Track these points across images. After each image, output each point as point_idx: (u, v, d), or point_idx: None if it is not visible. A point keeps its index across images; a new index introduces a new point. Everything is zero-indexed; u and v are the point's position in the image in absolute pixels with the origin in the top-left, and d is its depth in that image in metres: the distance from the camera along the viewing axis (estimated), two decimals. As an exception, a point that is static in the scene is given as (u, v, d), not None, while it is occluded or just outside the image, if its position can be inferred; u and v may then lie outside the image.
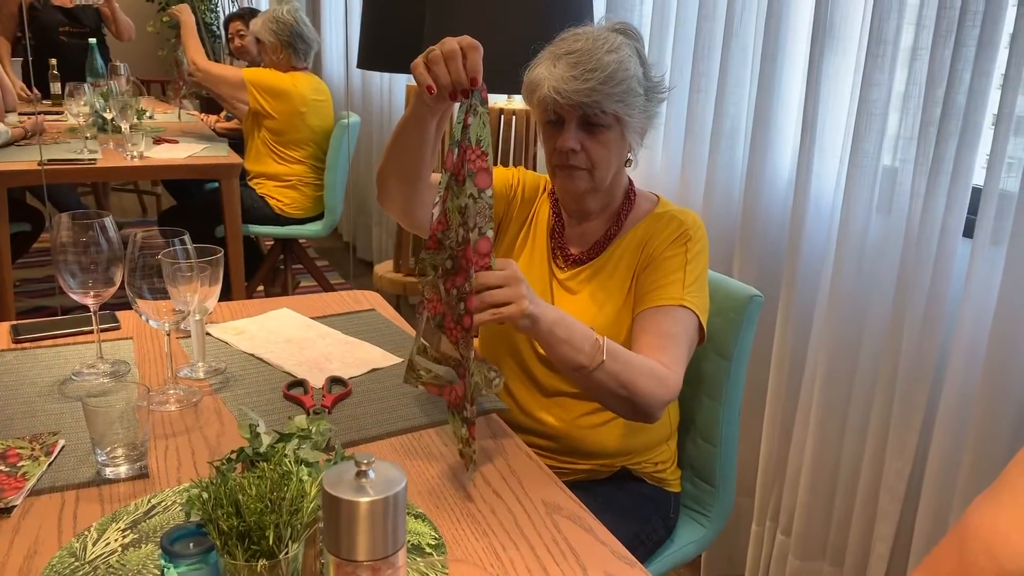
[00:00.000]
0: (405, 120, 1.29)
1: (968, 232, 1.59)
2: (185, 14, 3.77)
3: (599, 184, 1.41)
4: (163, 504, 1.07)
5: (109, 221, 1.35)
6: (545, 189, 1.58)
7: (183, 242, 1.29)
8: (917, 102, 1.67)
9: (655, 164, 2.38)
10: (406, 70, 2.84)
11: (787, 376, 1.99)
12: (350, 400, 1.39)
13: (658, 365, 1.30)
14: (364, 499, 0.63)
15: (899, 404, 1.71)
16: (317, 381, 1.44)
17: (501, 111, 2.82)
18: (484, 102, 1.09)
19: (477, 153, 1.07)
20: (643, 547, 1.45)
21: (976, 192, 1.57)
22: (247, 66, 4.34)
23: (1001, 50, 1.51)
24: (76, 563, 0.94)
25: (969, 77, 1.53)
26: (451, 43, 1.10)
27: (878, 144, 1.74)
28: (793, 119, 2.00)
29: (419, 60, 1.12)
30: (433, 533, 1.04)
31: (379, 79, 4.60)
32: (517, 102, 2.80)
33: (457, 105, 1.12)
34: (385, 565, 0.65)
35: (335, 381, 1.44)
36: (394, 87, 4.37)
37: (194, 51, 3.66)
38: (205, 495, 0.82)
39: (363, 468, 0.65)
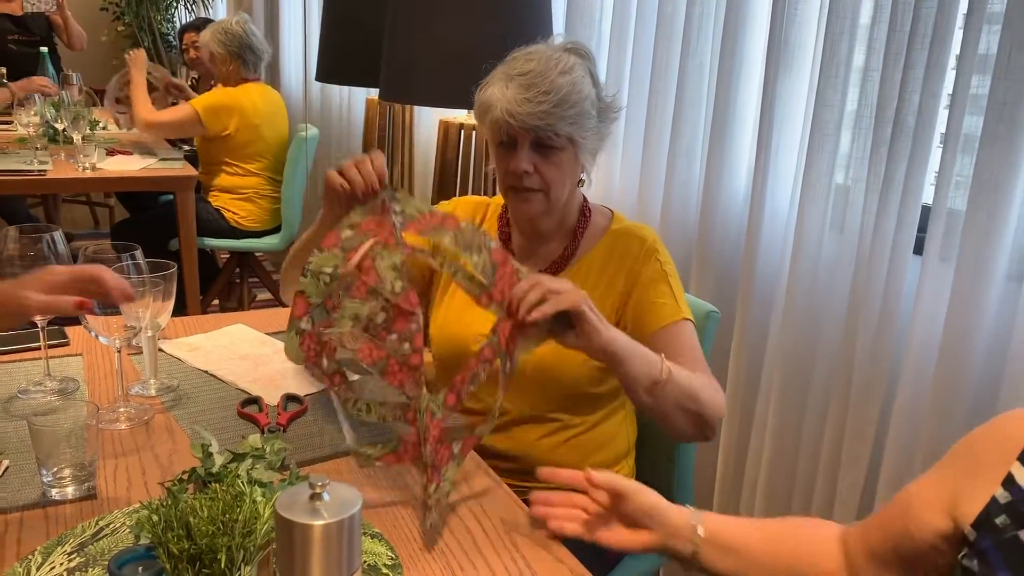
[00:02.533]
0: (318, 226, 1.36)
1: (918, 249, 1.62)
2: (136, 67, 3.68)
3: (554, 205, 1.41)
4: (111, 526, 1.04)
5: (59, 235, 1.32)
6: (487, 213, 1.56)
7: (134, 257, 1.27)
8: (868, 121, 1.70)
9: (613, 181, 2.40)
10: (365, 83, 2.83)
11: (743, 390, 2.01)
12: (305, 418, 1.37)
13: (705, 377, 1.30)
14: (318, 522, 0.62)
15: (852, 417, 1.73)
16: (272, 398, 1.42)
17: (461, 126, 2.82)
18: (394, 194, 1.18)
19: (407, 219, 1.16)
20: (602, 564, 1.45)
21: (926, 210, 1.61)
22: (197, 80, 4.28)
23: (949, 71, 1.55)
24: (19, 589, 0.91)
25: (918, 98, 1.57)
26: (358, 156, 1.23)
27: (831, 163, 1.78)
28: (748, 137, 2.03)
29: (332, 171, 1.24)
30: (390, 553, 1.02)
31: (338, 92, 4.58)
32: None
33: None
34: (340, 589, 0.63)
35: (291, 399, 1.42)
36: (353, 100, 4.35)
37: (144, 109, 3.59)
38: (155, 517, 0.80)
39: (317, 491, 0.64)
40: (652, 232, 1.46)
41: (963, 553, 0.83)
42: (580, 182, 1.45)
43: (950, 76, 1.55)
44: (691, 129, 2.11)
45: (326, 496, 0.64)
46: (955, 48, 1.54)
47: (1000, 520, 0.80)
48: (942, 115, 1.57)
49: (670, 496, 1.56)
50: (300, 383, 1.49)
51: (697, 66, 2.07)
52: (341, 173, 1.24)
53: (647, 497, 1.06)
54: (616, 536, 1.07)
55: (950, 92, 1.55)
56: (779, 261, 1.93)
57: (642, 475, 1.62)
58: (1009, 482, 0.80)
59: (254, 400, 1.41)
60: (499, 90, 1.34)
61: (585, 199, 1.50)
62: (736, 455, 2.06)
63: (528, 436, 1.43)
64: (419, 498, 1.07)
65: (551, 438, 1.44)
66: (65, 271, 1.09)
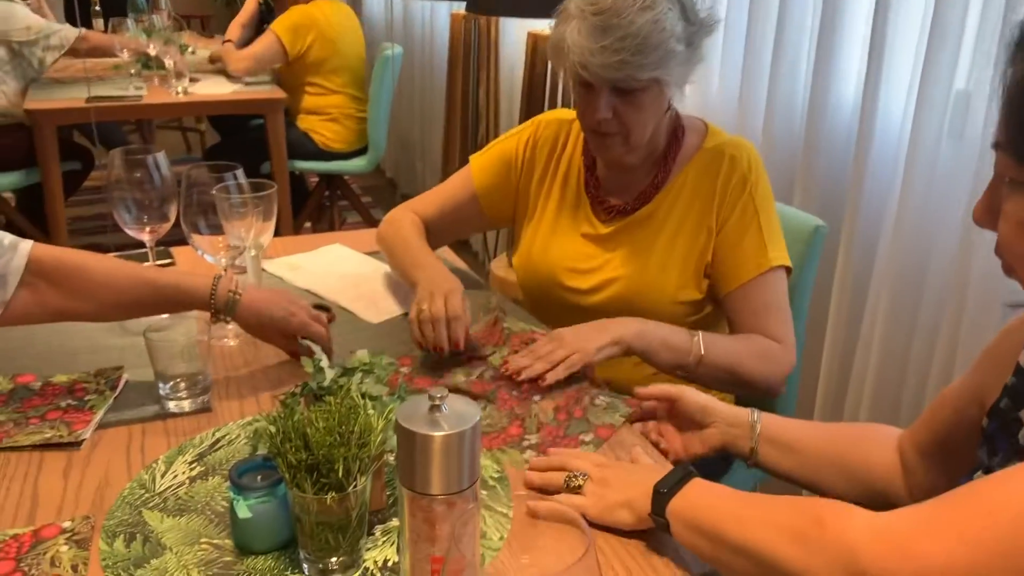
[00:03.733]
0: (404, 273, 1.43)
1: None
2: None
3: (635, 146, 1.34)
4: (227, 437, 1.08)
5: (162, 157, 1.35)
6: (571, 134, 1.49)
7: (236, 177, 1.28)
8: (995, 23, 1.57)
9: (711, 92, 2.31)
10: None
11: (848, 309, 1.94)
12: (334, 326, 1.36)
13: (764, 342, 1.30)
14: (439, 433, 0.62)
15: (965, 340, 1.66)
16: (374, 317, 1.44)
17: (536, 38, 2.74)
18: (504, 312, 1.39)
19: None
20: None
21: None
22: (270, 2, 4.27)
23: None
24: (146, 494, 0.96)
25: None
26: (438, 308, 1.24)
27: (951, 67, 1.66)
28: (859, 40, 1.91)
29: (415, 320, 1.26)
30: (495, 466, 1.04)
31: (420, 8, 4.51)
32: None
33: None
34: (460, 499, 0.64)
35: (318, 307, 1.41)
36: (436, 15, 4.28)
37: (231, 59, 3.61)
38: (273, 429, 0.82)
39: (436, 403, 0.64)
40: (749, 149, 1.39)
41: (979, 442, 0.85)
42: (668, 108, 1.37)
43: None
44: (796, 33, 2.00)
45: (445, 408, 0.64)
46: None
47: (1004, 404, 0.81)
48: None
49: (770, 408, 1.55)
50: (401, 301, 1.50)
51: (804, -35, 1.95)
52: (423, 324, 1.25)
53: (697, 396, 1.10)
54: (680, 440, 1.11)
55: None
56: (891, 172, 1.83)
57: (739, 401, 1.59)
58: (1019, 371, 0.81)
59: (322, 306, 1.42)
60: (572, 32, 1.25)
61: (678, 116, 1.42)
62: (838, 379, 2.00)
63: (623, 365, 1.41)
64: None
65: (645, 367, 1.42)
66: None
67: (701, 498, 0.83)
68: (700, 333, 1.28)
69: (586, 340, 1.22)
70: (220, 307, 1.17)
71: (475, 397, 1.18)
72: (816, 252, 1.50)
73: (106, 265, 1.14)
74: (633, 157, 1.37)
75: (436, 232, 1.53)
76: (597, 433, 1.11)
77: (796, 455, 1.05)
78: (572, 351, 1.20)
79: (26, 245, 1.10)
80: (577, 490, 0.94)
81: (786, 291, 1.37)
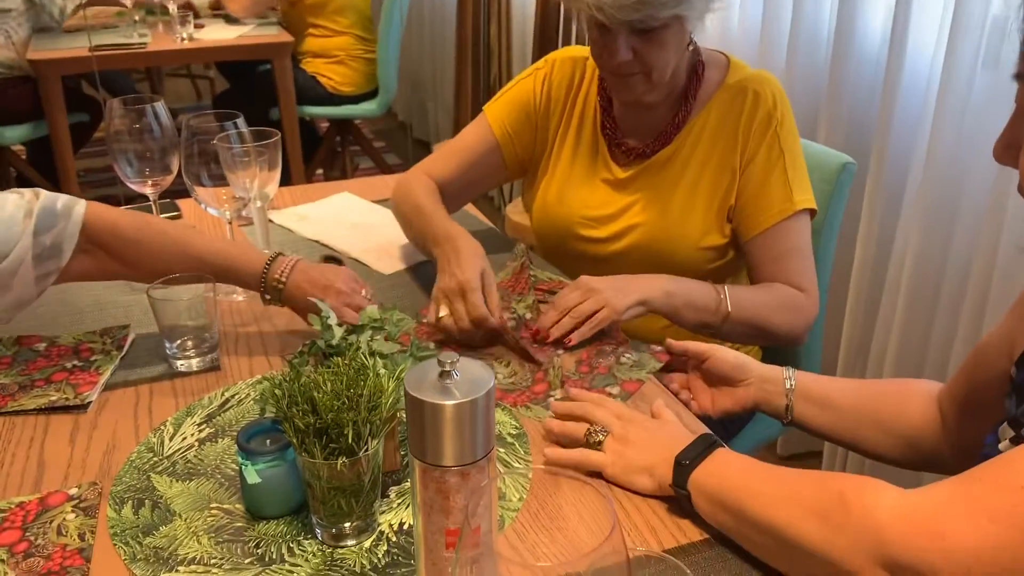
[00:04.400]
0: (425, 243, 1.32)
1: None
2: None
3: (657, 83, 1.27)
4: (237, 397, 1.05)
5: (161, 106, 1.30)
6: (586, 72, 1.42)
7: (237, 125, 1.24)
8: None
9: (731, 25, 2.21)
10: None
11: (875, 250, 1.88)
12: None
13: (788, 292, 1.27)
14: (450, 402, 0.58)
15: (999, 281, 1.60)
16: (386, 268, 1.40)
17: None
18: (531, 258, 1.36)
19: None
20: (723, 428, 1.40)
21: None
22: None
23: None
24: (155, 458, 0.94)
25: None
26: (460, 318, 1.15)
27: (988, -10, 1.57)
28: (889, -34, 1.81)
29: (440, 306, 1.18)
30: (513, 423, 1.00)
31: (429, -55, 4.38)
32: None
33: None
34: (475, 470, 0.60)
35: (329, 259, 1.38)
36: (445, -48, 4.16)
37: (233, 2, 3.52)
38: (279, 392, 0.79)
39: (447, 368, 0.60)
40: (773, 84, 1.32)
41: (1007, 392, 0.82)
42: (689, 44, 1.30)
43: None
44: (821, -40, 1.90)
45: (456, 374, 0.60)
46: None
47: None
48: None
49: (795, 363, 1.51)
50: (415, 252, 1.46)
51: None
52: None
53: (729, 354, 1.07)
54: (708, 396, 1.08)
55: None
56: (921, 105, 1.75)
57: (766, 351, 1.55)
58: None
59: (333, 258, 1.39)
60: None
61: (698, 50, 1.35)
62: (864, 323, 1.95)
63: (652, 325, 1.35)
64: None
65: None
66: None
67: (724, 471, 0.80)
68: (727, 289, 1.24)
69: (615, 295, 1.17)
70: (270, 292, 1.13)
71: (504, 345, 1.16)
72: (843, 191, 1.44)
73: (160, 239, 1.11)
74: (654, 96, 1.31)
75: (453, 193, 1.44)
76: (623, 387, 1.08)
77: (833, 411, 1.02)
78: (600, 305, 1.15)
79: (80, 209, 1.06)
80: (597, 446, 0.91)
81: (810, 236, 1.32)
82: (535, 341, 1.17)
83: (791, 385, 1.03)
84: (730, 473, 0.80)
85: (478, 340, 1.16)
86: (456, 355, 0.60)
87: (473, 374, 0.60)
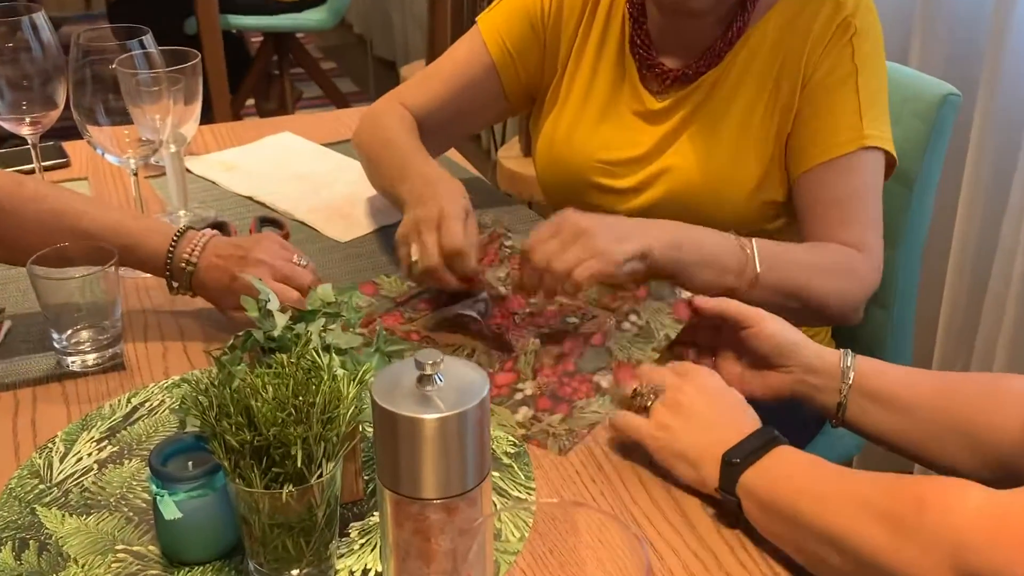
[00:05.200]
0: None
1: None
2: None
3: None
4: (148, 405, 1.06)
5: (41, 18, 1.31)
6: None
7: (143, 44, 1.24)
8: None
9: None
10: None
11: (984, 199, 1.90)
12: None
13: (841, 251, 1.27)
14: (432, 415, 0.59)
15: None
16: (341, 233, 1.41)
17: None
18: (508, 233, 1.36)
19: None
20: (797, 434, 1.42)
21: None
22: None
23: None
24: (41, 485, 0.94)
25: None
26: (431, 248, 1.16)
27: None
28: None
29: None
30: (510, 438, 1.01)
31: None
32: None
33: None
34: (465, 504, 0.61)
35: (266, 222, 1.40)
36: None
37: None
38: (204, 399, 0.79)
39: (427, 371, 0.60)
40: None
41: None
42: None
43: None
44: None
45: (439, 379, 0.60)
46: None
47: None
48: None
49: (881, 352, 1.52)
50: (379, 211, 1.46)
51: None
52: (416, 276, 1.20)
53: (776, 326, 1.05)
54: (737, 373, 1.08)
55: None
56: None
57: (840, 332, 1.56)
58: None
59: (271, 221, 1.40)
60: None
61: None
62: (968, 302, 1.98)
63: None
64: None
65: None
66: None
67: (783, 470, 0.83)
68: (754, 243, 1.23)
69: (609, 242, 1.13)
70: (177, 278, 1.14)
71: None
72: (944, 131, 1.45)
73: (34, 209, 1.11)
74: (702, 1, 1.31)
75: (436, 129, 1.45)
76: (616, 374, 1.09)
77: (903, 415, 1.01)
78: (589, 254, 1.11)
79: None
80: (643, 410, 0.96)
81: (881, 184, 1.32)
82: (511, 315, 1.18)
83: (850, 376, 1.02)
84: (791, 473, 0.82)
85: (446, 303, 1.20)
86: (439, 354, 0.60)
87: (462, 378, 0.61)
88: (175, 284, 1.15)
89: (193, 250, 1.13)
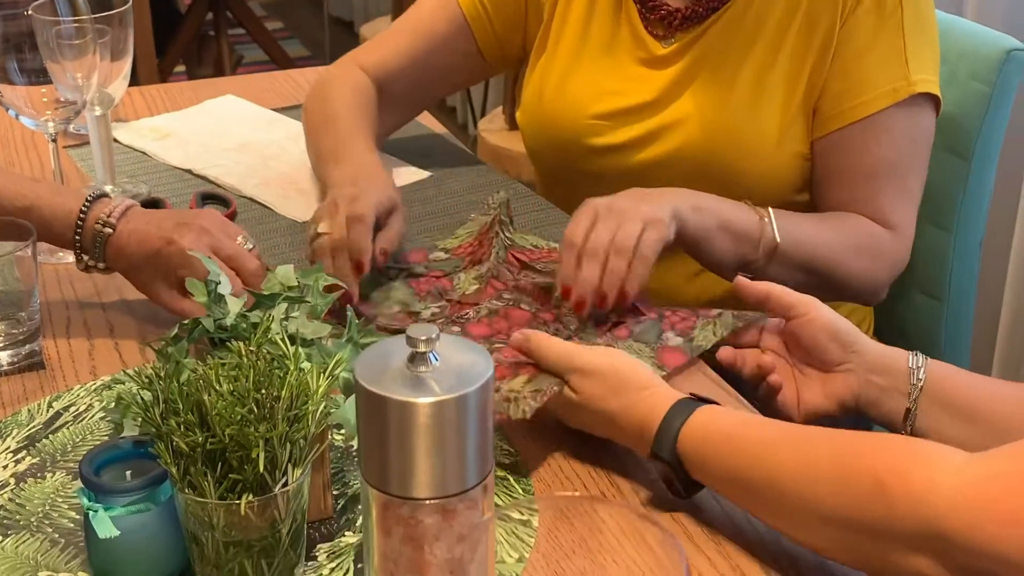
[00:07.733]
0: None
1: None
2: None
3: None
4: (73, 410, 1.06)
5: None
6: None
7: (63, -10, 1.25)
8: None
9: None
10: None
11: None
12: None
13: (867, 227, 1.29)
14: (426, 399, 0.59)
15: None
16: (298, 212, 1.42)
17: None
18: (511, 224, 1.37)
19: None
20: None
21: None
22: None
23: None
24: (-52, 503, 0.95)
25: None
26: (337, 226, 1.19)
27: None
28: None
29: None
30: (504, 445, 1.02)
31: None
32: None
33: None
34: (464, 505, 0.62)
35: (208, 198, 1.43)
36: None
37: None
38: (148, 396, 0.80)
39: (421, 349, 0.61)
40: None
41: None
42: None
43: None
44: None
45: (434, 358, 0.61)
46: None
47: None
48: None
49: (935, 347, 1.54)
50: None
51: None
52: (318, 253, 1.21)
53: (826, 311, 1.06)
54: (794, 384, 1.08)
55: None
56: None
57: (891, 319, 1.58)
58: None
59: (214, 197, 1.42)
60: None
61: None
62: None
63: (676, 273, 1.39)
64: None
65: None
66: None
67: (713, 426, 0.89)
68: (771, 211, 1.26)
69: (646, 208, 1.17)
70: (87, 249, 1.14)
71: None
72: (1007, 93, 1.47)
73: None
74: None
75: (401, 94, 1.48)
76: (660, 358, 1.11)
77: (980, 427, 1.01)
78: (641, 224, 1.15)
79: None
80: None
81: (931, 139, 1.35)
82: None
83: (920, 378, 1.03)
84: (722, 428, 0.89)
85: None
86: (435, 329, 0.61)
87: (460, 357, 0.62)
88: (84, 257, 1.14)
89: (112, 212, 1.13)
